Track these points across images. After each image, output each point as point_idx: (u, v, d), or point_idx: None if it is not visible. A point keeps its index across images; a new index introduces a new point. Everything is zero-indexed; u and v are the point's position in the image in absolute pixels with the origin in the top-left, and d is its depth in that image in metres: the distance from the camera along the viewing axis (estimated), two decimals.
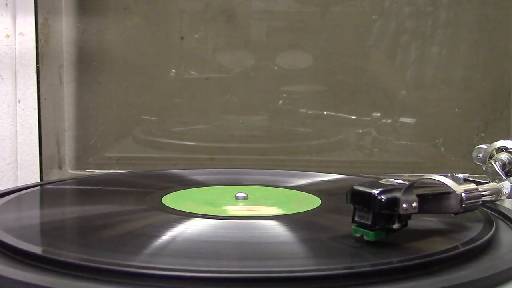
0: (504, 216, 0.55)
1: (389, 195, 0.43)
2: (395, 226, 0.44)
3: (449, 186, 0.45)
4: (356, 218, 0.44)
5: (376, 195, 0.43)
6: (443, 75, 0.89)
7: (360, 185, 0.44)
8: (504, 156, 0.60)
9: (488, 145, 0.62)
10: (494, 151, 0.61)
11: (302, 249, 0.46)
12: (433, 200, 0.45)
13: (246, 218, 0.53)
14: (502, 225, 0.53)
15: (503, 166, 0.59)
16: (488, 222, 0.51)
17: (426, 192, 0.45)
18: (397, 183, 0.44)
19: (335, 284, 0.38)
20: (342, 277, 0.39)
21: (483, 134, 0.88)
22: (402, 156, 0.90)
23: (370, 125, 0.89)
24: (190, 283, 0.38)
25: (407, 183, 0.44)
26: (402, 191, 0.43)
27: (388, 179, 0.45)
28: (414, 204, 0.43)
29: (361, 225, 0.44)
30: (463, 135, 0.89)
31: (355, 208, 0.44)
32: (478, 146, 0.63)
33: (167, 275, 0.38)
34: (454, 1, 0.88)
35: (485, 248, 0.46)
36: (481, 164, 0.62)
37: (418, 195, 0.44)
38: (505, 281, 0.41)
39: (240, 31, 0.89)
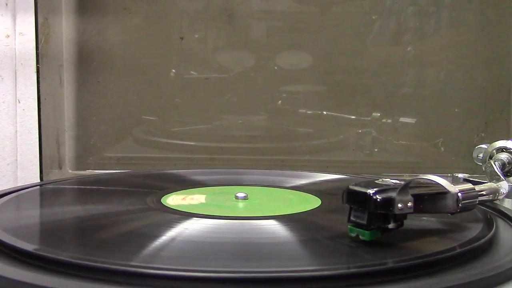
0: (504, 216, 0.55)
1: (384, 195, 0.43)
2: (391, 226, 0.44)
3: (443, 186, 0.45)
4: (352, 218, 0.44)
5: (371, 195, 0.43)
6: (443, 75, 0.89)
7: (356, 185, 0.44)
8: (504, 156, 0.60)
9: (488, 145, 0.62)
10: (494, 151, 0.61)
11: (301, 249, 0.46)
12: (429, 200, 0.45)
13: (246, 218, 0.53)
14: (502, 225, 0.53)
15: (503, 166, 0.59)
16: (488, 222, 0.51)
17: (421, 192, 0.45)
18: (392, 183, 0.44)
19: (333, 284, 0.38)
20: (339, 278, 0.39)
21: (483, 134, 0.88)
22: (402, 156, 0.90)
23: (370, 125, 0.89)
24: (190, 283, 0.38)
25: (402, 183, 0.44)
26: (397, 191, 0.43)
27: (384, 179, 0.45)
28: (409, 204, 0.44)
29: (356, 225, 0.44)
30: (463, 135, 0.89)
31: (351, 208, 0.44)
32: (478, 146, 0.63)
33: (167, 275, 0.38)
34: (455, 1, 0.88)
35: (485, 248, 0.46)
36: (481, 164, 0.62)
37: (413, 195, 0.44)
38: (505, 281, 0.41)
39: (240, 31, 0.89)
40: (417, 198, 0.44)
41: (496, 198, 0.53)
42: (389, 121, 0.89)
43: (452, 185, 0.46)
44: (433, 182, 0.45)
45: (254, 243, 0.46)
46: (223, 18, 0.88)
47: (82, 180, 0.72)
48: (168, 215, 0.53)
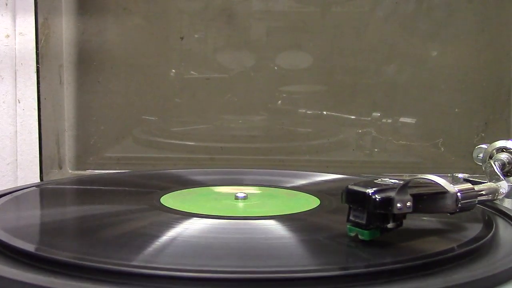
0: (504, 216, 0.55)
1: (384, 195, 0.43)
2: (390, 225, 0.44)
3: (442, 186, 0.45)
4: (351, 218, 0.44)
5: (370, 194, 0.43)
6: (443, 75, 0.89)
7: (355, 184, 0.44)
8: (504, 156, 0.60)
9: (488, 145, 0.62)
10: (494, 151, 0.61)
11: (301, 249, 0.46)
12: (428, 199, 0.45)
13: (246, 218, 0.53)
14: (502, 224, 0.53)
15: (503, 166, 0.59)
16: (488, 222, 0.51)
17: (420, 192, 0.45)
18: (392, 182, 0.44)
19: (332, 284, 0.38)
20: (339, 278, 0.39)
21: (483, 134, 0.88)
22: (402, 156, 0.90)
23: (370, 125, 0.89)
24: (190, 283, 0.38)
25: (401, 182, 0.44)
26: (396, 190, 0.43)
27: (383, 179, 0.45)
28: (408, 204, 0.43)
29: (356, 224, 0.44)
30: (463, 135, 0.89)
31: (350, 208, 0.44)
32: (479, 146, 0.63)
33: (167, 275, 0.38)
34: (454, 1, 0.88)
35: (485, 248, 0.46)
36: (481, 164, 0.62)
37: (412, 195, 0.44)
38: (505, 281, 0.41)
39: (240, 31, 0.89)
40: (416, 198, 0.44)
41: (495, 198, 0.53)
42: (389, 121, 0.89)
43: (451, 185, 0.46)
44: (432, 182, 0.45)
45: (254, 243, 0.46)
46: (223, 18, 0.88)
47: (82, 180, 0.72)
48: (168, 215, 0.53)
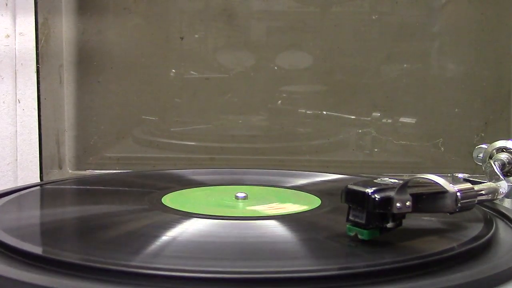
0: (504, 216, 0.55)
1: (383, 194, 0.43)
2: (389, 225, 0.44)
3: (442, 186, 0.45)
4: (351, 217, 0.44)
5: (369, 194, 0.43)
6: (443, 75, 0.89)
7: (355, 184, 0.44)
8: (504, 156, 0.60)
9: (488, 145, 0.62)
10: (494, 151, 0.61)
11: (302, 249, 0.46)
12: (428, 199, 0.45)
13: (246, 218, 0.53)
14: (502, 224, 0.53)
15: (503, 166, 0.59)
16: (488, 222, 0.51)
17: (420, 192, 0.45)
18: (391, 182, 0.44)
19: (332, 284, 0.38)
20: (339, 278, 0.39)
21: (483, 134, 0.88)
22: (402, 156, 0.90)
23: (370, 125, 0.89)
24: (190, 283, 0.38)
25: (401, 182, 0.44)
26: (396, 190, 0.43)
27: (382, 178, 0.45)
28: (408, 203, 0.43)
29: (355, 224, 0.44)
30: (463, 135, 0.89)
31: (349, 207, 0.44)
32: (479, 146, 0.63)
33: (167, 275, 0.38)
34: (454, 1, 0.88)
35: (484, 248, 0.46)
36: (481, 164, 0.62)
37: (412, 194, 0.44)
38: (505, 281, 0.41)
39: (240, 31, 0.89)
40: (416, 198, 0.44)
41: (495, 198, 0.53)
42: (389, 121, 0.89)
43: (451, 184, 0.46)
44: (432, 182, 0.45)
45: (254, 243, 0.46)
46: (223, 18, 0.88)
47: (82, 180, 0.72)
48: (168, 215, 0.53)
